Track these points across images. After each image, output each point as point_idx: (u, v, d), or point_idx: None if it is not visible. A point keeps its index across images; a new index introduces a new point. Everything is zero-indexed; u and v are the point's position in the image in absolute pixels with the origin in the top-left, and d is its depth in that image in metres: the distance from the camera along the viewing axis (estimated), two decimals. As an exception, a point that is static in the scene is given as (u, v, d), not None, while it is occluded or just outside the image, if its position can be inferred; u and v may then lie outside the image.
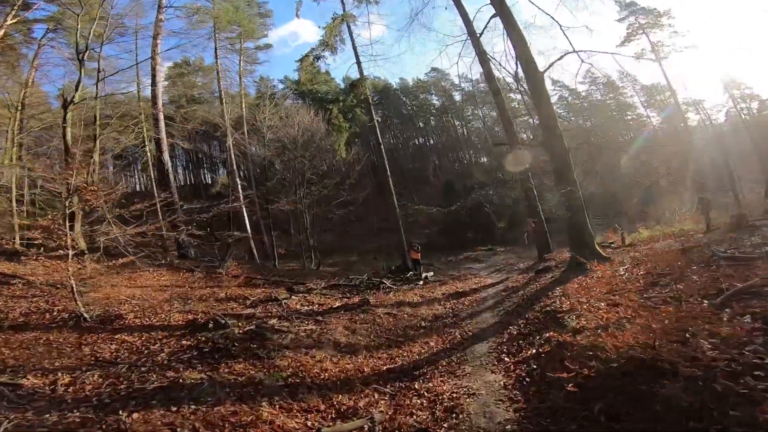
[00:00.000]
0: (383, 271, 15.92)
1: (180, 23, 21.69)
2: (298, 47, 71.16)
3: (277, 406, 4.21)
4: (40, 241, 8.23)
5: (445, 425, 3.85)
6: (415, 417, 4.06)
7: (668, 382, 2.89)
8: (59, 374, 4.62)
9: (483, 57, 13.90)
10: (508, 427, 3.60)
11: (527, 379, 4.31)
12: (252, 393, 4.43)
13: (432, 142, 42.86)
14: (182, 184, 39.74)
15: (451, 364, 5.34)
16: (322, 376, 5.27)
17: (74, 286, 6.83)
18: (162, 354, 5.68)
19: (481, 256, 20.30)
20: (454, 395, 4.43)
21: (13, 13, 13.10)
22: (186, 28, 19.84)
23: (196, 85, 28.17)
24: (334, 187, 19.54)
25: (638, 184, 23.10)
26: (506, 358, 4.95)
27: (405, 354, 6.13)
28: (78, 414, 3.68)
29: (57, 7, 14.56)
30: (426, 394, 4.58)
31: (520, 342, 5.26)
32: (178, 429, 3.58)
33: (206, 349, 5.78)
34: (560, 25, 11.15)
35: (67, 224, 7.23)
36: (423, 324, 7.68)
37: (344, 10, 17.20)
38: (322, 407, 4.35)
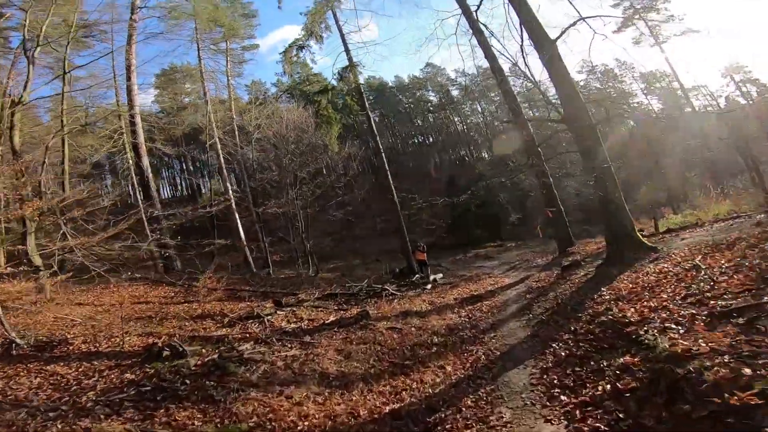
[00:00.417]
0: (386, 275, 14.49)
1: (155, 23, 20.39)
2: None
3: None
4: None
5: None
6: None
7: None
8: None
9: (480, 36, 12.46)
10: None
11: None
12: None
13: (431, 139, 41.64)
14: (173, 194, 38.67)
15: (479, 403, 3.78)
16: (299, 428, 3.79)
17: None
18: (90, 392, 4.32)
19: (492, 252, 18.83)
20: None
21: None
22: (165, 29, 18.61)
23: (185, 92, 27.06)
24: (329, 186, 18.11)
25: (648, 171, 21.73)
26: (563, 397, 3.36)
27: (414, 385, 4.62)
28: None
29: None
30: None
31: (577, 369, 3.69)
32: None
33: (147, 388, 4.36)
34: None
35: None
36: (435, 340, 6.15)
37: (328, -5, 15.75)
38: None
